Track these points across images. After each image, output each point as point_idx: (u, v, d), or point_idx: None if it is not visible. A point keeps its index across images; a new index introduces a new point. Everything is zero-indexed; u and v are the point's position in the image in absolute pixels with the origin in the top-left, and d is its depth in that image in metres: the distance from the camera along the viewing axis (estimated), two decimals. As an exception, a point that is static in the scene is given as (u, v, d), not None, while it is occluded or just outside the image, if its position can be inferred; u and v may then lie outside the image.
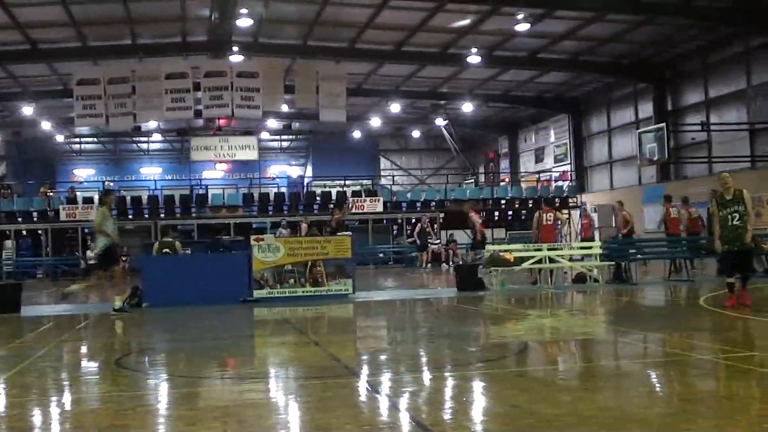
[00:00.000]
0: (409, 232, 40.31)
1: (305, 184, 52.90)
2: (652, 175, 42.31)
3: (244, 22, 33.36)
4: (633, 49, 39.77)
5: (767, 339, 10.84)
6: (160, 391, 8.46)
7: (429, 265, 35.45)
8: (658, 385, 8.10)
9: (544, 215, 23.13)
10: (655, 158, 37.48)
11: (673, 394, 7.48)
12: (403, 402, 7.27)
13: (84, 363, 11.12)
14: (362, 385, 8.22)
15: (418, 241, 36.71)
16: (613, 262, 22.11)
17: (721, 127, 37.94)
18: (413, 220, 39.70)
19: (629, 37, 37.56)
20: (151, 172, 59.41)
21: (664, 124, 37.60)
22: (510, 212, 44.50)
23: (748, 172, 35.84)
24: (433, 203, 42.99)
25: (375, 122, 55.35)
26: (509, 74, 44.52)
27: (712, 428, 5.83)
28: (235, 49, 36.61)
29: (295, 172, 62.64)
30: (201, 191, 45.73)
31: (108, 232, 17.18)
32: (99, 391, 8.54)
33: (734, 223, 14.18)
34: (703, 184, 37.83)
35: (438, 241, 37.70)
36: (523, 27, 34.24)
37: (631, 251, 22.97)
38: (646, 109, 43.31)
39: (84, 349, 12.56)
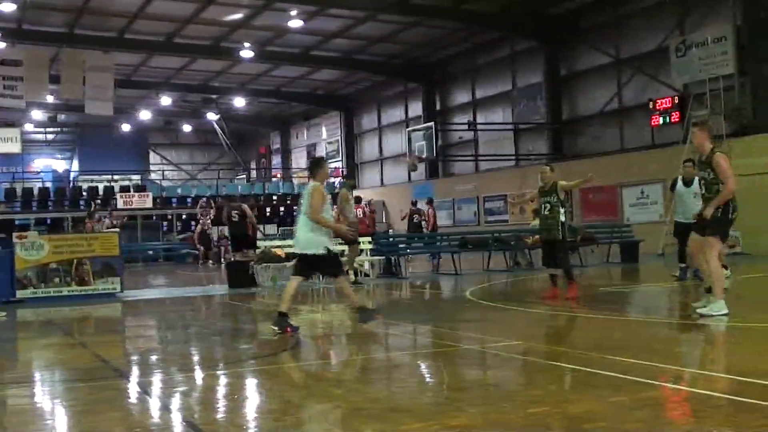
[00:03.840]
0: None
1: (72, 179, 51.06)
2: (422, 172, 43.47)
3: (6, 7, 31.77)
4: (404, 50, 40.75)
5: (530, 328, 11.31)
6: None
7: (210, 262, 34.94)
8: (427, 375, 8.33)
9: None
10: (424, 156, 38.52)
11: (442, 384, 7.70)
12: (175, 402, 7.15)
13: None
14: (132, 387, 8.02)
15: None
16: (383, 257, 22.59)
17: (487, 127, 39.46)
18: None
19: (400, 38, 38.47)
20: None
21: (432, 123, 38.71)
22: (282, 208, 44.59)
23: (513, 170, 37.44)
24: (204, 199, 42.52)
25: (145, 115, 54.18)
26: (282, 70, 44.66)
27: (479, 415, 6.04)
28: (-3, 35, 34.90)
29: (61, 166, 60.46)
30: (-41, 186, 43.31)
31: None
32: None
33: (545, 213, 14.35)
34: (470, 182, 39.30)
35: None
36: (296, 23, 34.48)
37: (400, 246, 23.52)
38: (416, 108, 44.50)
39: None
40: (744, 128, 26.91)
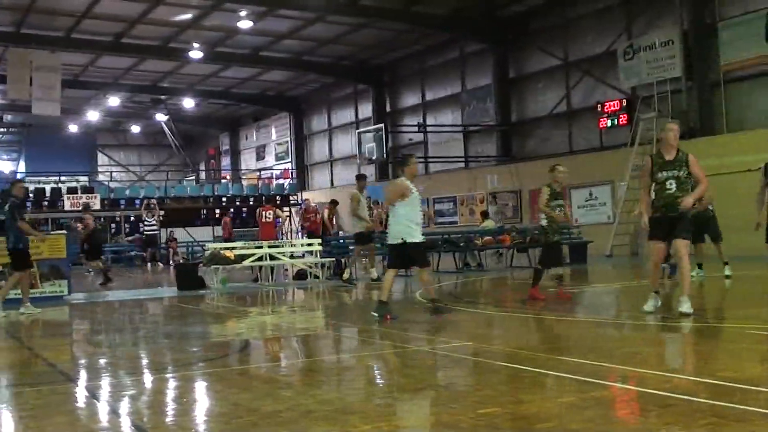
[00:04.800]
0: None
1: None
2: (372, 174, 43.46)
3: (-50, 5, 31.28)
4: (354, 51, 40.77)
5: (480, 329, 11.35)
6: None
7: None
8: (377, 376, 8.32)
9: (264, 212, 23.23)
10: (374, 157, 38.51)
11: (392, 385, 7.69)
12: (123, 406, 7.07)
13: None
14: (80, 391, 7.92)
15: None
16: (333, 259, 22.58)
17: (437, 129, 39.56)
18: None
19: (350, 39, 38.46)
20: None
21: (382, 125, 38.71)
22: (231, 210, 44.42)
23: (462, 172, 37.58)
24: (153, 200, 42.15)
25: (93, 116, 53.63)
26: (231, 71, 44.47)
27: (429, 416, 6.04)
28: (-60, 34, 34.34)
29: (7, 167, 59.64)
30: None
31: None
32: None
33: (560, 214, 14.17)
34: (420, 183, 39.23)
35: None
36: (245, 24, 34.31)
37: (350, 248, 23.48)
38: (366, 109, 44.48)
39: None
40: (691, 131, 27.27)
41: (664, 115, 27.79)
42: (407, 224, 12.08)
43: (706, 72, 27.27)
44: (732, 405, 5.90)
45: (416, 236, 12.17)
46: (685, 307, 10.73)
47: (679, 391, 6.48)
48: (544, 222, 14.10)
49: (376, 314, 12.03)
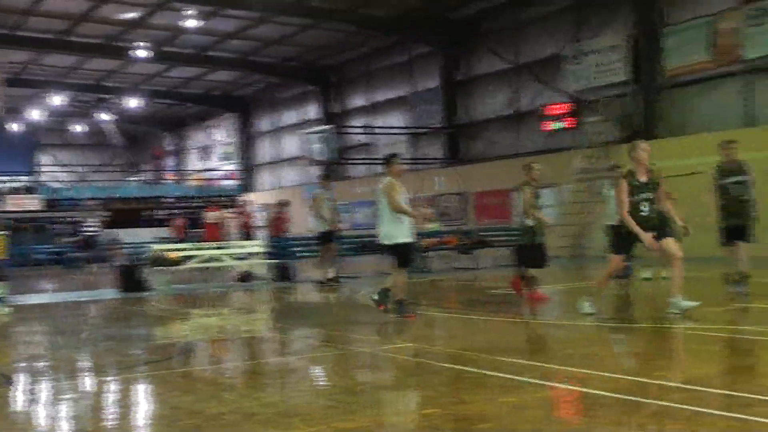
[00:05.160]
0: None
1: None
2: (320, 174, 43.35)
3: None
4: (301, 52, 40.71)
5: (423, 330, 11.36)
6: None
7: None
8: (320, 379, 8.30)
9: (209, 214, 23.09)
10: (323, 158, 38.39)
11: (335, 387, 7.66)
12: (64, 410, 6.97)
13: None
14: (18, 395, 7.79)
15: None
16: (277, 260, 22.46)
17: (384, 131, 39.58)
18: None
19: (297, 40, 38.40)
20: None
21: (329, 126, 38.66)
22: (176, 211, 44.05)
23: (409, 174, 37.52)
24: (95, 201, 41.68)
25: (35, 115, 52.86)
26: (177, 71, 44.19)
27: (371, 418, 6.04)
28: None
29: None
30: None
31: None
32: None
33: (540, 216, 14.16)
34: (367, 185, 39.31)
35: None
36: (192, 23, 34.09)
37: (295, 249, 23.38)
38: (314, 110, 44.40)
39: None
40: (636, 133, 27.51)
41: (609, 118, 28.05)
42: (404, 225, 12.28)
43: (654, 75, 27.55)
44: (679, 405, 5.96)
45: (408, 237, 12.39)
46: (686, 303, 10.84)
47: (624, 392, 6.53)
48: (530, 222, 13.92)
49: (397, 314, 12.17)
